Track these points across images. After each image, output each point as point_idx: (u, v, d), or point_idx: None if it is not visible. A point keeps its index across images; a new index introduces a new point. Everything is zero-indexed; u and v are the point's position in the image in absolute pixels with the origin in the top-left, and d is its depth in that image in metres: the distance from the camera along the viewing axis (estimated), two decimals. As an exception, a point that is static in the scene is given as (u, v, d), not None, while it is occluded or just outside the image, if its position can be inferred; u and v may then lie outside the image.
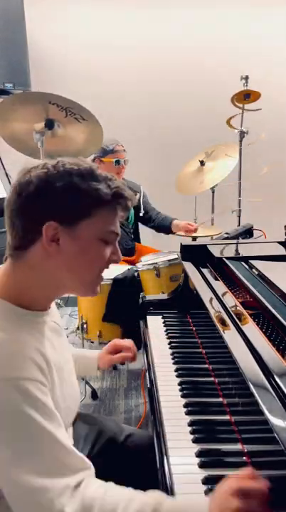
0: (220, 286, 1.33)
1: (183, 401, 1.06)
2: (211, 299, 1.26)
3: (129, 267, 2.44)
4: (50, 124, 2.21)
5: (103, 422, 1.27)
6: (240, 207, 2.97)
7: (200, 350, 1.31)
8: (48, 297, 0.96)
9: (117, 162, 2.77)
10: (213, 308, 1.20)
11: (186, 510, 0.78)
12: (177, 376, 1.19)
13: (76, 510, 0.75)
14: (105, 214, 0.92)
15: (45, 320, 0.94)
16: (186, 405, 1.04)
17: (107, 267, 0.97)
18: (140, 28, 3.59)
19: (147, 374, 1.27)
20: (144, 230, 3.14)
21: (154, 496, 0.78)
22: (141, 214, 3.03)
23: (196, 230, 2.90)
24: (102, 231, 0.92)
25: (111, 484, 0.81)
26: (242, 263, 1.43)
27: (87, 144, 2.36)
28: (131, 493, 0.79)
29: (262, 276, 1.27)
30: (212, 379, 1.15)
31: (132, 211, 3.05)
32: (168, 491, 0.81)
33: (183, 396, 1.09)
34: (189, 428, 0.96)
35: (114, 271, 2.39)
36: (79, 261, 0.91)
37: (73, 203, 0.88)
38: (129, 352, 1.31)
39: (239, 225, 2.82)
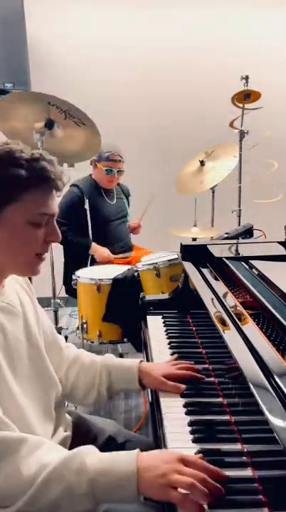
0: (220, 286, 1.33)
1: (183, 401, 1.06)
2: (211, 299, 1.26)
3: (129, 267, 2.45)
4: (50, 124, 2.22)
5: (102, 423, 1.26)
6: (240, 207, 2.97)
7: (200, 350, 1.31)
8: None
9: (108, 171, 2.77)
10: (213, 308, 1.20)
11: (112, 459, 0.80)
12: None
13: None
14: (32, 197, 0.92)
15: None
16: (185, 405, 1.04)
17: (47, 248, 0.98)
18: (140, 28, 3.59)
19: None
20: (144, 231, 3.14)
21: (79, 453, 0.80)
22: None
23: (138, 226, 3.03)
24: (30, 215, 0.93)
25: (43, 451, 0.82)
26: (242, 263, 1.43)
27: (85, 147, 2.37)
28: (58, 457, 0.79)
29: (262, 276, 1.27)
30: (212, 379, 1.15)
31: (128, 209, 3.06)
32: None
33: (183, 396, 1.09)
34: (189, 428, 0.95)
35: (114, 271, 2.39)
36: (10, 245, 0.93)
37: None
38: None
39: (239, 225, 2.82)
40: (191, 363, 1.19)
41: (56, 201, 0.98)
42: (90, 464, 0.78)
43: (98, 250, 2.75)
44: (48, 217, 0.96)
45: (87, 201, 2.76)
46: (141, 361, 1.19)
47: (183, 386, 1.10)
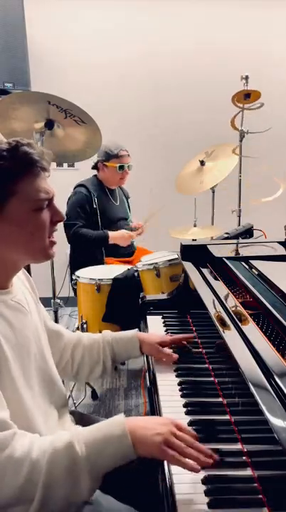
0: (220, 286, 1.33)
1: (183, 401, 1.06)
2: (211, 299, 1.26)
3: (129, 267, 2.45)
4: (50, 124, 2.22)
5: None
6: (240, 207, 2.96)
7: (200, 350, 1.31)
8: (1, 278, 0.98)
9: (121, 168, 2.76)
10: (214, 308, 1.20)
11: (100, 427, 0.84)
12: (177, 376, 1.19)
13: None
14: (26, 186, 0.92)
15: (0, 299, 0.96)
16: (185, 405, 1.04)
17: (54, 228, 0.99)
18: (140, 29, 3.59)
19: (147, 374, 1.27)
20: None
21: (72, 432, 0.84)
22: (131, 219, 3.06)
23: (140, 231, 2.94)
24: (31, 202, 0.93)
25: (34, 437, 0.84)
26: (242, 263, 1.43)
27: (85, 146, 2.37)
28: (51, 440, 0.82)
29: (262, 276, 1.27)
30: (212, 379, 1.15)
31: (129, 212, 3.06)
32: (168, 490, 0.80)
33: (183, 396, 1.09)
34: (189, 428, 0.95)
35: (114, 271, 2.39)
36: (20, 237, 0.94)
37: None
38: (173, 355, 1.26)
39: (239, 225, 2.81)
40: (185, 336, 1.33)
41: (48, 182, 0.98)
42: (81, 451, 0.79)
43: (116, 236, 2.71)
44: (46, 201, 0.96)
45: (95, 200, 2.76)
46: (137, 331, 1.32)
47: (175, 355, 1.24)
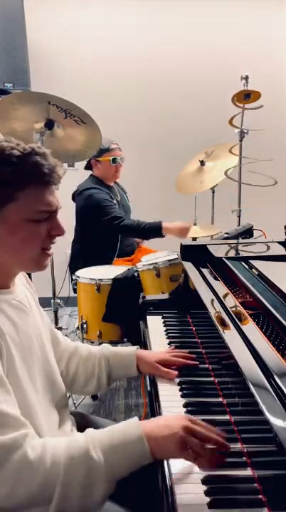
0: (220, 286, 1.33)
1: (183, 401, 1.06)
2: (211, 299, 1.26)
3: (129, 267, 2.45)
4: (50, 124, 2.22)
5: (103, 423, 1.27)
6: (240, 207, 2.97)
7: (200, 350, 1.31)
8: (2, 277, 0.98)
9: (114, 160, 2.76)
10: (214, 308, 1.20)
11: (115, 433, 0.83)
12: (177, 376, 1.19)
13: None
14: (28, 195, 0.91)
15: (3, 298, 0.95)
16: (185, 405, 1.04)
17: (52, 242, 0.98)
18: (140, 28, 3.60)
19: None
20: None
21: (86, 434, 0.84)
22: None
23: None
24: (28, 212, 0.92)
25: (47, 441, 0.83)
26: (242, 263, 1.43)
27: (85, 145, 2.37)
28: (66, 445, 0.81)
29: (262, 276, 1.27)
30: (212, 379, 1.15)
31: (130, 204, 3.05)
32: (168, 490, 0.80)
33: (183, 396, 1.09)
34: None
35: (114, 271, 2.39)
36: (11, 243, 0.93)
37: None
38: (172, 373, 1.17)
39: (239, 225, 2.81)
40: (186, 351, 1.25)
41: (56, 195, 0.96)
42: (99, 459, 0.79)
43: (170, 226, 2.54)
44: (47, 213, 0.95)
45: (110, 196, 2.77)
46: (137, 348, 1.25)
47: (174, 372, 1.16)
